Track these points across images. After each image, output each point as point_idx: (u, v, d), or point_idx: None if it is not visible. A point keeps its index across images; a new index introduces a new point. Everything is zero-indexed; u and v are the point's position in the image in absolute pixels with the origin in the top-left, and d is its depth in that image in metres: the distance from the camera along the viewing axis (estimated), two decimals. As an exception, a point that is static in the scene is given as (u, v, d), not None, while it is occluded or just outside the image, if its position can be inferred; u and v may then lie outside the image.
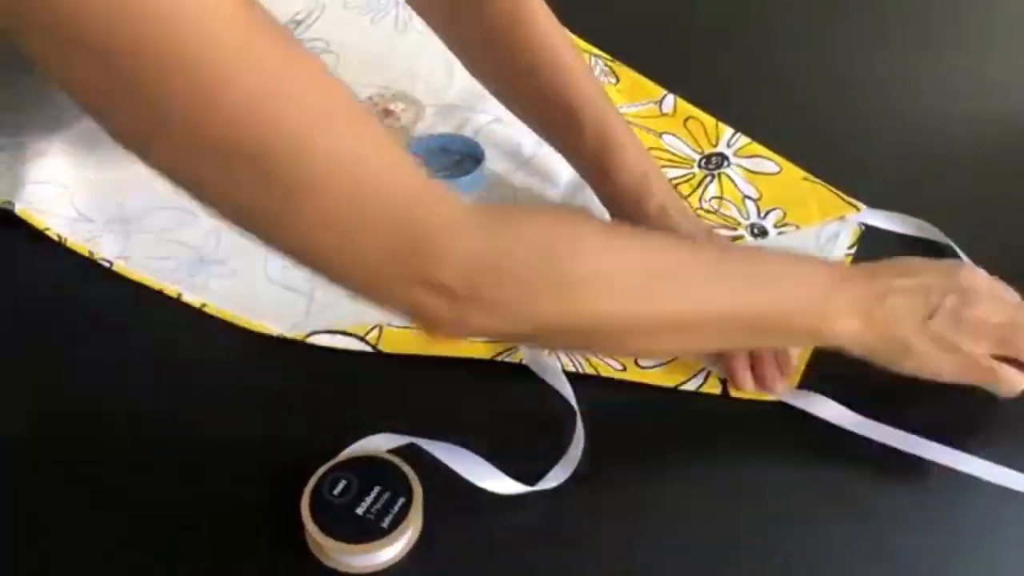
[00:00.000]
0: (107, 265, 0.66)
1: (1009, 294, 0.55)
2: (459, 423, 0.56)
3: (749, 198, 0.72)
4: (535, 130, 0.69)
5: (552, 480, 0.53)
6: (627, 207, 0.63)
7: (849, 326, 0.51)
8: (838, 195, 0.72)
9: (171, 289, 0.64)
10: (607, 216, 0.65)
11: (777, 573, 0.50)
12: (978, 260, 0.65)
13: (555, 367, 0.59)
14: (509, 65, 0.65)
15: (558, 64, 0.63)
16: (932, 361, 0.53)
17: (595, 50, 0.87)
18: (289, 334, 0.61)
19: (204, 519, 0.52)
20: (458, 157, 0.76)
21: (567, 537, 0.52)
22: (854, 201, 0.71)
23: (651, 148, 0.77)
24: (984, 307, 0.53)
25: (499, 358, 0.60)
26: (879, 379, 0.59)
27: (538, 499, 0.53)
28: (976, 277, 0.54)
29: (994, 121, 0.80)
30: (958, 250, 0.66)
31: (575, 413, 0.56)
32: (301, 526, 0.49)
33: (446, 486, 0.52)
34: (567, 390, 0.58)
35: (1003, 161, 0.76)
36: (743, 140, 0.77)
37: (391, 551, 0.49)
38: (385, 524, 0.49)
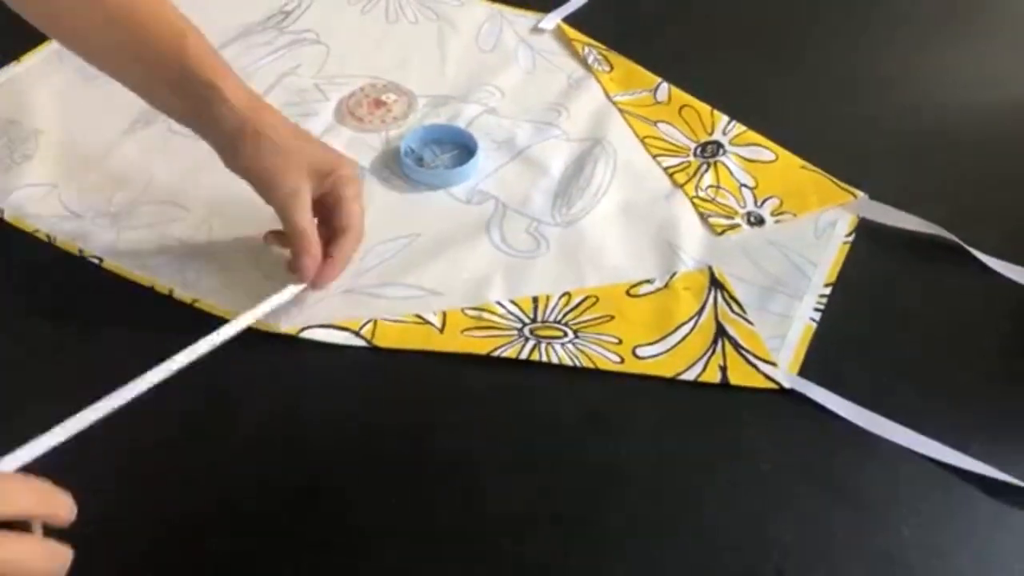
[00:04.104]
0: (97, 262, 0.66)
1: None
2: (453, 416, 0.56)
3: (745, 186, 0.72)
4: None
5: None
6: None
7: None
8: (836, 183, 0.71)
9: (162, 285, 0.64)
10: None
11: (774, 564, 0.49)
12: (980, 249, 0.65)
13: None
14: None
15: None
16: None
17: (589, 40, 0.86)
18: (283, 329, 0.61)
19: (199, 520, 0.52)
20: (451, 148, 0.75)
21: (563, 524, 0.51)
22: (852, 189, 0.70)
23: (646, 136, 0.76)
24: None
25: (495, 353, 0.59)
26: (880, 369, 0.59)
27: (531, 485, 0.52)
28: None
29: (996, 112, 0.79)
30: (960, 242, 0.66)
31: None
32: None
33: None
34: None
35: (1005, 152, 0.75)
36: (739, 128, 0.76)
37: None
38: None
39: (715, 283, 0.64)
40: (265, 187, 0.59)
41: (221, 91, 0.59)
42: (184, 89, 0.60)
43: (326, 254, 0.60)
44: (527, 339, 0.60)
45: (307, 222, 0.59)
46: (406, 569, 0.50)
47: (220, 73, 0.60)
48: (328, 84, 0.82)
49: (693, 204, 0.70)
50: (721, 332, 0.61)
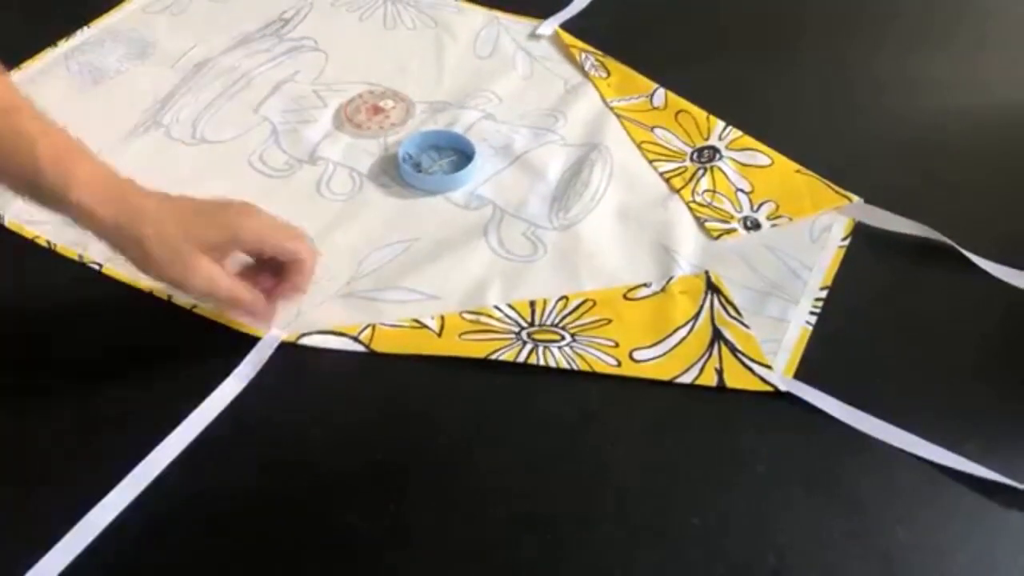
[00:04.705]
0: (97, 268, 0.66)
1: None
2: (450, 419, 0.56)
3: (741, 191, 0.72)
4: None
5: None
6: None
7: None
8: (831, 187, 0.71)
9: (161, 291, 0.64)
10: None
11: (770, 566, 0.50)
12: (975, 253, 0.66)
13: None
14: None
15: None
16: None
17: (586, 46, 0.86)
18: (282, 337, 0.61)
19: (194, 524, 0.52)
20: (449, 154, 0.76)
21: (560, 527, 0.51)
22: (847, 193, 0.71)
23: (643, 142, 0.77)
24: None
25: (492, 356, 0.60)
26: (875, 371, 0.59)
27: (528, 488, 0.53)
28: None
29: (990, 116, 0.80)
30: (955, 245, 0.66)
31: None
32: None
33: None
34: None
35: (998, 156, 0.76)
36: (735, 133, 0.77)
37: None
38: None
39: (711, 287, 0.64)
40: (176, 287, 0.56)
41: (77, 206, 0.54)
42: (43, 201, 0.55)
43: (285, 281, 0.59)
44: (525, 342, 0.60)
45: (232, 289, 0.57)
46: (403, 571, 0.50)
47: (71, 180, 0.54)
48: (327, 91, 0.82)
49: (689, 208, 0.70)
50: (717, 336, 0.61)
